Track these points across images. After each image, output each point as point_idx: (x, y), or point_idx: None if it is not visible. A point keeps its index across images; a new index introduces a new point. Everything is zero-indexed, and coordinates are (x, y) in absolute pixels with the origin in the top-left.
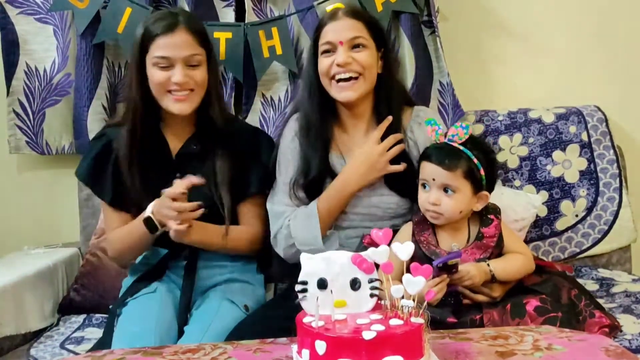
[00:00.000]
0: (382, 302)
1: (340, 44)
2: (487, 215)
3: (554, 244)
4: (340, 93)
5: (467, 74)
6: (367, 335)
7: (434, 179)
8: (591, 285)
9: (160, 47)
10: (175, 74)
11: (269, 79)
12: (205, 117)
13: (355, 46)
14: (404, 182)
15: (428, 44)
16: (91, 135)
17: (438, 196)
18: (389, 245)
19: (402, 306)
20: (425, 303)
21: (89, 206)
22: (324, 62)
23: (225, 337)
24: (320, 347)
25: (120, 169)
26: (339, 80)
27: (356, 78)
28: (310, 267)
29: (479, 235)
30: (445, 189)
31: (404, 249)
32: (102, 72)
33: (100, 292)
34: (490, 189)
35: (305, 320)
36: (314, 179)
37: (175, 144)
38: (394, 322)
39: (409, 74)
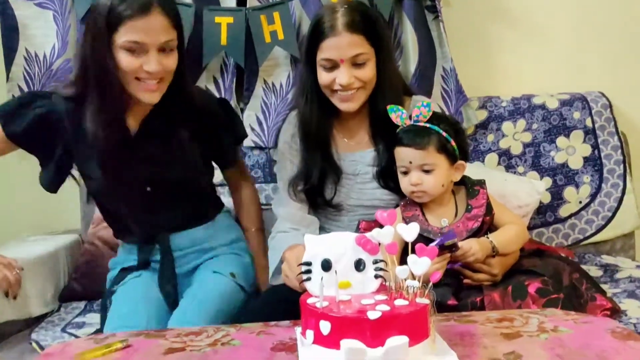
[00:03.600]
0: (387, 283)
1: (341, 62)
2: (473, 187)
3: (558, 230)
4: (342, 104)
5: (471, 60)
6: (372, 315)
7: (410, 162)
8: (595, 272)
9: (132, 31)
10: (149, 62)
11: (270, 64)
12: (166, 96)
13: (356, 63)
14: (395, 179)
15: (431, 29)
16: None
17: (418, 176)
18: (393, 226)
19: (407, 287)
20: (430, 284)
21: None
22: (324, 77)
23: (230, 321)
24: (325, 327)
25: (69, 144)
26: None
27: (358, 88)
28: (314, 248)
29: (468, 207)
30: (424, 169)
31: (409, 230)
32: None
33: (98, 281)
34: (465, 157)
35: (310, 301)
36: (313, 184)
37: (133, 124)
38: (399, 302)
39: (412, 59)
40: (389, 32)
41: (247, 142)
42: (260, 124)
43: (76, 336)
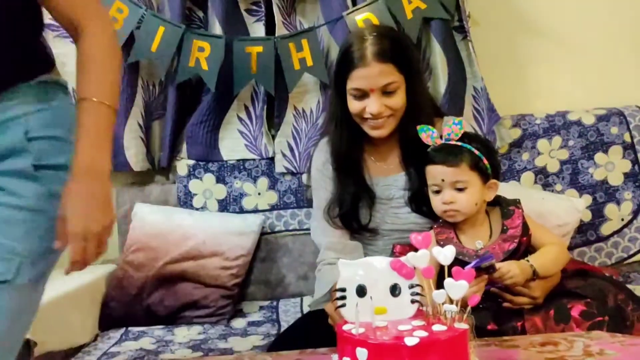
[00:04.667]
0: (424, 308)
1: (371, 91)
2: (508, 207)
3: (600, 249)
4: (372, 131)
5: (502, 78)
6: (410, 341)
7: (443, 180)
8: None
9: None
10: None
11: (300, 90)
12: None
13: (386, 91)
14: (428, 203)
15: (460, 49)
16: (128, 154)
17: (451, 194)
18: (428, 249)
19: (445, 311)
20: (469, 308)
21: (126, 223)
22: (355, 105)
23: (267, 349)
24: (362, 354)
25: None
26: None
27: (388, 116)
28: (349, 273)
29: (504, 229)
30: (457, 187)
31: (445, 253)
32: (137, 91)
33: (130, 305)
34: (497, 176)
35: (346, 327)
36: (348, 209)
37: None
38: (437, 327)
39: (441, 80)
40: (418, 55)
41: (279, 168)
42: (291, 149)
43: None
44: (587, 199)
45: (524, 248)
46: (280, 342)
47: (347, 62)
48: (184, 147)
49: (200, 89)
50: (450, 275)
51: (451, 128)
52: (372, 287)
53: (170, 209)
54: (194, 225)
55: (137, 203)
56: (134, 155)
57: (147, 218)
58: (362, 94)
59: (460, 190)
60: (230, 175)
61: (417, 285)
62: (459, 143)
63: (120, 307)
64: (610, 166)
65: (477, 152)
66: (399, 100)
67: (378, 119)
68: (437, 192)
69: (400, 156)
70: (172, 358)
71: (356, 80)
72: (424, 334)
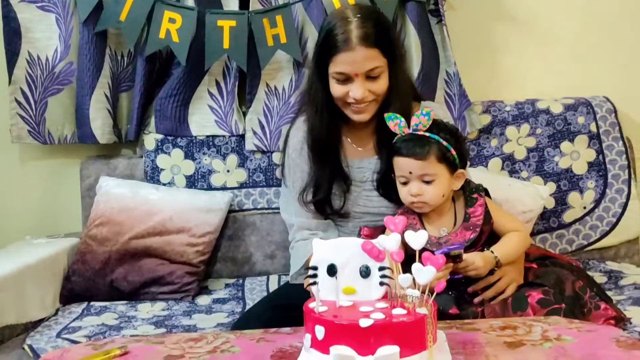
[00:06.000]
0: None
1: (355, 76)
2: (471, 195)
3: (562, 236)
4: (355, 115)
5: (475, 64)
6: (364, 322)
7: (410, 172)
8: (599, 278)
9: None
10: None
11: (273, 68)
12: None
13: (370, 76)
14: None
15: (435, 33)
16: (93, 125)
17: (418, 187)
18: (402, 233)
19: (407, 295)
20: (434, 294)
21: (90, 196)
22: (337, 89)
23: (231, 328)
24: (320, 332)
25: None
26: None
27: (371, 101)
28: (321, 252)
29: (466, 217)
30: (424, 180)
31: (417, 237)
32: (105, 60)
33: (92, 280)
34: (464, 163)
35: (311, 305)
36: (322, 193)
37: None
38: (397, 311)
39: (415, 63)
40: (400, 39)
41: (249, 146)
42: (262, 127)
43: (70, 341)
44: (551, 187)
45: (485, 236)
46: (245, 320)
47: (330, 45)
48: (152, 120)
49: (170, 61)
50: (419, 260)
51: (419, 119)
52: (343, 267)
53: (136, 183)
54: (160, 201)
55: (102, 176)
56: (100, 127)
57: (112, 192)
58: (346, 78)
59: (427, 182)
60: (199, 151)
61: (387, 268)
62: (427, 134)
63: (82, 281)
64: (576, 155)
65: (445, 142)
66: (382, 84)
67: (361, 103)
68: (405, 183)
69: (375, 140)
70: (135, 334)
71: (340, 64)
72: (380, 316)
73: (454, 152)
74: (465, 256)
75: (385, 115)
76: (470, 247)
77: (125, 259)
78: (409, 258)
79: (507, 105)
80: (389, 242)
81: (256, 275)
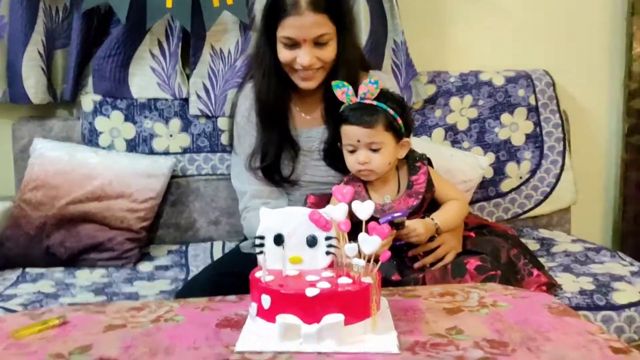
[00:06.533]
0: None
1: (303, 42)
2: (415, 163)
3: (498, 204)
4: (302, 82)
5: (422, 34)
6: (310, 292)
7: (358, 141)
8: (532, 245)
9: None
10: None
11: (218, 29)
12: None
13: (319, 42)
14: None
15: (384, 1)
16: (26, 84)
17: (366, 155)
18: (349, 203)
19: (353, 265)
20: (379, 262)
21: (24, 158)
22: (285, 54)
23: (174, 296)
24: (266, 301)
25: None
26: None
27: (318, 68)
28: (269, 222)
29: (409, 184)
30: (371, 148)
31: (364, 208)
32: (38, 15)
33: (26, 245)
34: (409, 133)
35: (257, 274)
36: (270, 160)
37: None
38: (342, 280)
39: (363, 30)
40: (351, 6)
41: (193, 110)
42: (207, 91)
43: (5, 309)
44: (490, 157)
45: (427, 204)
46: (189, 288)
47: (278, 8)
48: (90, 80)
49: (110, 19)
50: (365, 229)
51: (367, 87)
52: (290, 237)
53: (73, 146)
54: (99, 165)
55: (36, 138)
56: (34, 86)
57: (47, 154)
58: (293, 44)
59: (374, 150)
60: (140, 114)
61: (333, 237)
62: (375, 102)
63: (16, 247)
64: (514, 127)
65: (392, 111)
66: (330, 52)
67: (308, 70)
68: (352, 151)
69: (322, 109)
70: (73, 302)
71: (288, 28)
72: (326, 285)
73: (400, 121)
74: (407, 223)
75: (333, 83)
76: (412, 214)
77: (62, 224)
78: (354, 226)
79: (452, 76)
80: (336, 212)
81: (200, 241)
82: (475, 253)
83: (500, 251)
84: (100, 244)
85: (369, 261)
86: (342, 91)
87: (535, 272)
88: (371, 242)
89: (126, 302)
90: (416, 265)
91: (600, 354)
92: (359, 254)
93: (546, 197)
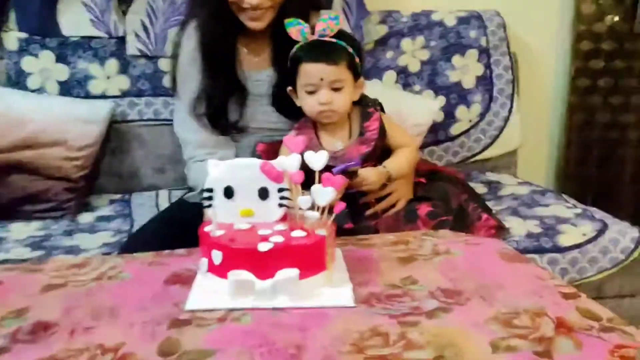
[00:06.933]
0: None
1: None
2: (367, 109)
3: (447, 149)
4: (250, 22)
5: None
6: (263, 246)
7: (321, 79)
8: (480, 189)
9: None
10: None
11: None
12: None
13: None
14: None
15: None
16: None
17: (329, 94)
18: (301, 153)
19: (306, 217)
20: (333, 215)
21: None
22: None
23: (119, 250)
24: (217, 256)
25: None
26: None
27: (267, 8)
28: (217, 174)
29: (362, 131)
30: (333, 87)
31: (317, 158)
32: None
33: None
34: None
35: (207, 228)
36: (216, 105)
37: None
38: (296, 233)
39: None
40: None
41: (131, 50)
42: (146, 30)
43: None
44: (441, 100)
45: (379, 151)
46: (134, 241)
47: None
48: (13, 16)
49: None
50: (319, 181)
51: (327, 23)
52: (240, 189)
53: None
54: (30, 110)
55: None
56: None
57: None
58: None
59: (336, 90)
60: (73, 54)
61: (286, 189)
62: (334, 40)
63: None
64: (466, 69)
65: (350, 49)
66: None
67: (257, 10)
68: (312, 92)
69: (271, 50)
70: (7, 259)
71: None
72: (279, 239)
73: (357, 60)
74: (360, 171)
75: (286, 21)
76: (364, 161)
77: None
78: (305, 176)
79: (404, 16)
80: (288, 163)
81: (144, 190)
82: (427, 199)
83: (450, 197)
84: (35, 194)
85: (322, 212)
86: (297, 29)
87: (485, 216)
88: (326, 194)
89: (66, 259)
90: (368, 212)
91: (552, 299)
92: (312, 206)
93: (494, 140)
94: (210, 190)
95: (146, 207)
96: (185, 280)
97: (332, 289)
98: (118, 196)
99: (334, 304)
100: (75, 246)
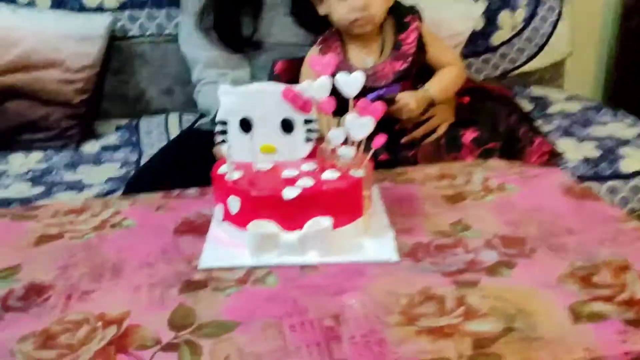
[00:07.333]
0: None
1: None
2: (403, 19)
3: (488, 60)
4: None
5: None
6: (289, 192)
7: None
8: (526, 106)
9: None
10: None
11: None
12: None
13: None
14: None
15: None
16: None
17: None
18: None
19: (339, 154)
20: (372, 150)
21: None
22: None
23: (124, 187)
24: (234, 204)
25: None
26: None
27: None
28: (231, 103)
29: (397, 44)
30: None
31: (352, 81)
32: None
33: None
34: None
35: (221, 170)
36: (227, 17)
37: None
38: (327, 175)
39: None
40: None
41: None
42: None
43: None
44: (482, 4)
45: (417, 68)
46: (141, 177)
47: None
48: None
49: None
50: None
51: None
52: (259, 121)
53: None
54: (18, 27)
55: None
56: None
57: None
58: None
59: None
60: None
61: (314, 120)
62: None
63: None
64: None
65: None
66: None
67: None
68: None
69: None
70: (5, 197)
71: None
72: (308, 183)
73: None
74: (398, 96)
75: None
76: (400, 79)
77: None
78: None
79: None
80: (316, 88)
81: (152, 114)
82: (471, 122)
83: (498, 119)
84: (33, 122)
85: (358, 148)
86: None
87: (537, 139)
88: (363, 126)
89: (63, 203)
90: (404, 139)
91: (633, 247)
92: (346, 140)
93: (540, 49)
94: (223, 123)
95: (155, 135)
96: (197, 228)
97: (371, 240)
98: (125, 121)
99: (374, 258)
100: (78, 181)
